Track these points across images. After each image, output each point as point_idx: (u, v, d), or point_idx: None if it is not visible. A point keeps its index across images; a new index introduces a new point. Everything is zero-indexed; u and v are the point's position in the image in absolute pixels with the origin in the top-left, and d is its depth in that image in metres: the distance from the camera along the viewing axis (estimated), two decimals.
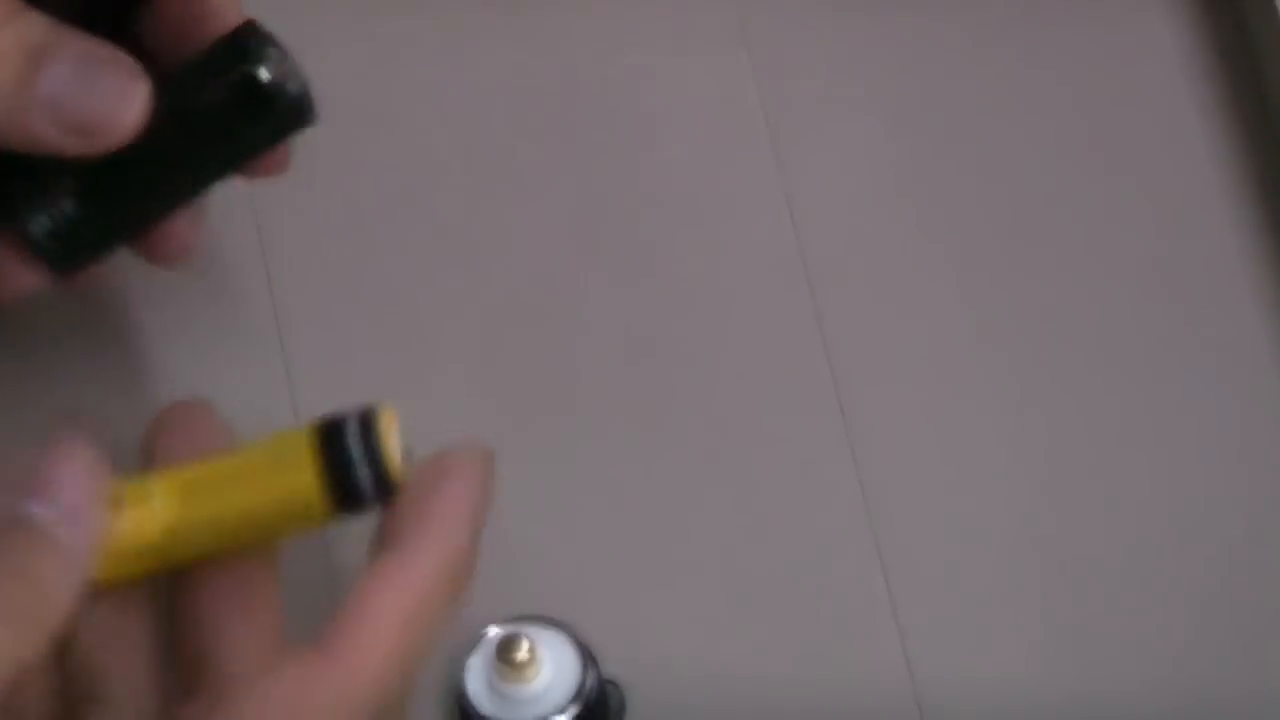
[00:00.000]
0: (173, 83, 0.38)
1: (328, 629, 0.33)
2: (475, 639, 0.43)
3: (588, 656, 0.42)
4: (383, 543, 0.35)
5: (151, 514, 0.35)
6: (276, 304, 0.48)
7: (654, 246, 0.50)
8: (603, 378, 0.48)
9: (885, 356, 0.49)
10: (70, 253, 0.38)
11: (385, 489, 0.35)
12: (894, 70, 0.52)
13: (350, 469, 0.35)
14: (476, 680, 0.42)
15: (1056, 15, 0.52)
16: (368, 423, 0.35)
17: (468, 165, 0.50)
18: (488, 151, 0.50)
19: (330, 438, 0.35)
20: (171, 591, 0.36)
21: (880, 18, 0.52)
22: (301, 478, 0.35)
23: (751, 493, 0.48)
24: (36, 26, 0.36)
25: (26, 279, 0.39)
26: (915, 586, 0.47)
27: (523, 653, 0.41)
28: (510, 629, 0.42)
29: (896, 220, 0.51)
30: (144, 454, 0.38)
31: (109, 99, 0.36)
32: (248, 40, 0.37)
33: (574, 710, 0.42)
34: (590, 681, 0.42)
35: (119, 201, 0.38)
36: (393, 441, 0.35)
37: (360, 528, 0.37)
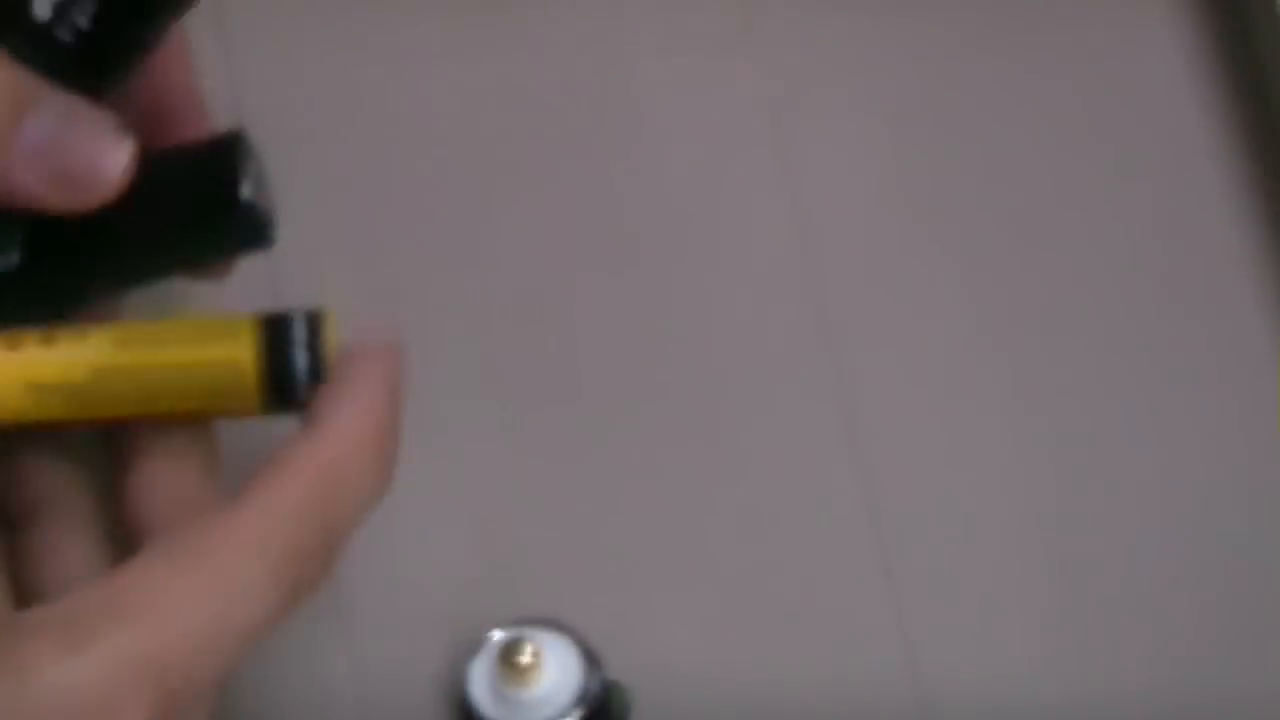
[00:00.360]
0: (151, 170, 0.37)
1: (241, 488, 0.33)
2: (478, 643, 0.42)
3: (591, 659, 0.42)
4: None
5: (83, 353, 0.35)
6: (276, 303, 0.48)
7: (657, 246, 0.50)
8: (605, 378, 0.48)
9: (888, 356, 0.49)
10: (10, 305, 0.37)
11: (316, 384, 0.35)
12: (897, 70, 0.52)
13: (290, 350, 0.35)
14: (480, 684, 0.42)
15: (1058, 15, 0.52)
16: (315, 320, 0.36)
17: (469, 166, 0.50)
18: (489, 152, 0.50)
19: (277, 322, 0.36)
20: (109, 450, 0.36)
21: (883, 18, 0.52)
22: (240, 350, 0.35)
23: (755, 494, 0.48)
24: (19, 78, 0.35)
25: None
26: (918, 587, 0.47)
27: (526, 656, 0.41)
28: (513, 632, 0.42)
29: (900, 220, 0.50)
30: None
31: (95, 152, 0.35)
32: (235, 151, 0.37)
33: (578, 714, 0.41)
34: (594, 684, 0.42)
35: (65, 271, 0.37)
36: (332, 343, 0.36)
37: None
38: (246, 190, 0.36)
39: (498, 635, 0.42)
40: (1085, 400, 0.49)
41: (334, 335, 0.36)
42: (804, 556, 0.47)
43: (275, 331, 0.36)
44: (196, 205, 0.37)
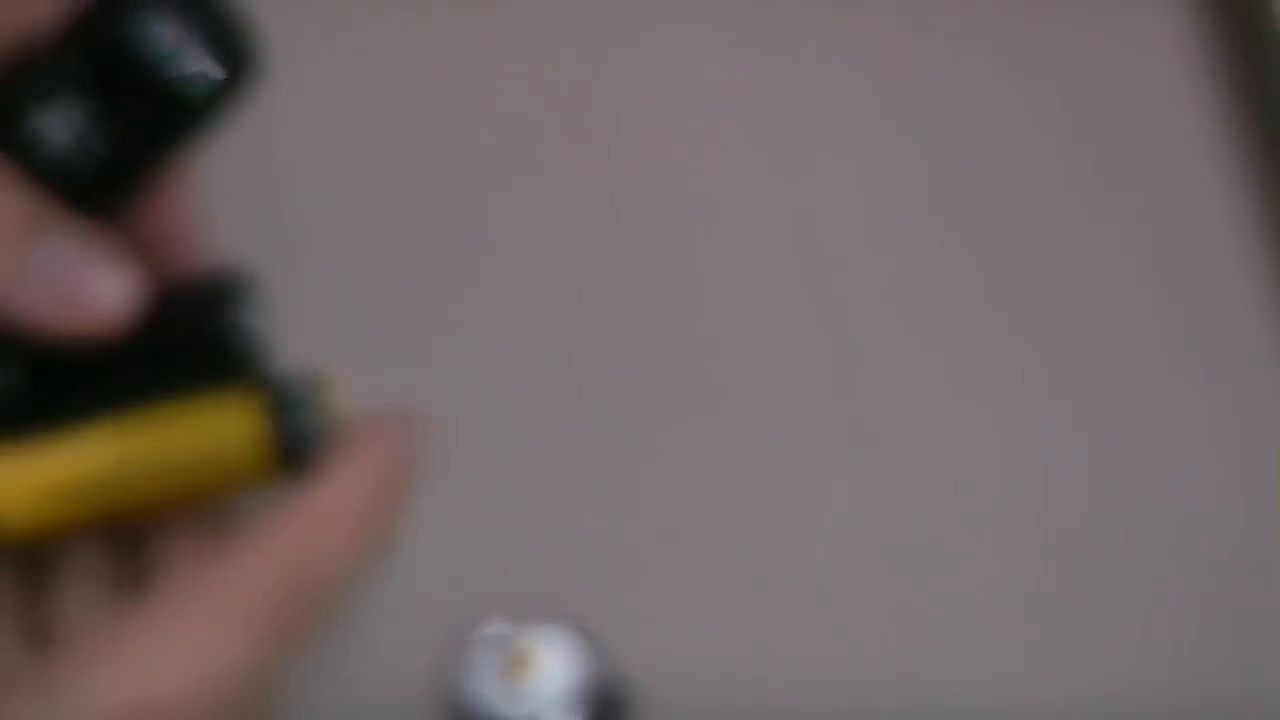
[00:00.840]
0: (155, 306, 0.37)
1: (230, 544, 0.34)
2: (479, 637, 0.42)
3: (593, 652, 0.42)
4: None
5: (91, 450, 0.36)
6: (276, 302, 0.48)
7: (657, 245, 0.50)
8: (608, 376, 0.48)
9: (887, 356, 0.49)
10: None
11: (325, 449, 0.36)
12: (896, 70, 0.52)
13: (297, 417, 0.36)
14: (481, 677, 0.42)
15: (1058, 15, 0.52)
16: (318, 384, 0.36)
17: (469, 166, 0.50)
18: (490, 152, 0.50)
19: (280, 389, 0.36)
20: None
21: (882, 18, 0.52)
22: (246, 419, 0.36)
23: (756, 490, 0.48)
24: (33, 203, 0.36)
25: None
26: (917, 588, 0.47)
27: (528, 649, 0.41)
28: (515, 625, 0.42)
29: (898, 219, 0.51)
30: None
31: (102, 285, 0.36)
32: (234, 290, 0.37)
33: (581, 705, 0.41)
34: (597, 677, 0.42)
35: (67, 398, 0.37)
36: (343, 406, 0.36)
37: None
38: (244, 335, 0.36)
39: (499, 628, 0.42)
40: (1085, 400, 0.49)
41: (343, 398, 0.37)
42: (806, 553, 0.47)
43: (280, 399, 0.36)
44: (195, 344, 0.37)
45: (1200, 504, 0.48)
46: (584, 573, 0.46)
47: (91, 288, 0.35)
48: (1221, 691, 0.46)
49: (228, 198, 0.44)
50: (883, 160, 0.51)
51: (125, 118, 0.36)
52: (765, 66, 0.52)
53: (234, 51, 0.36)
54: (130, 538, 0.37)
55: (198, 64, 0.35)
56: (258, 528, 0.35)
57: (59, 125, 0.36)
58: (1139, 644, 0.47)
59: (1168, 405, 0.49)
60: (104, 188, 0.37)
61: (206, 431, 0.36)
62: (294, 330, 0.48)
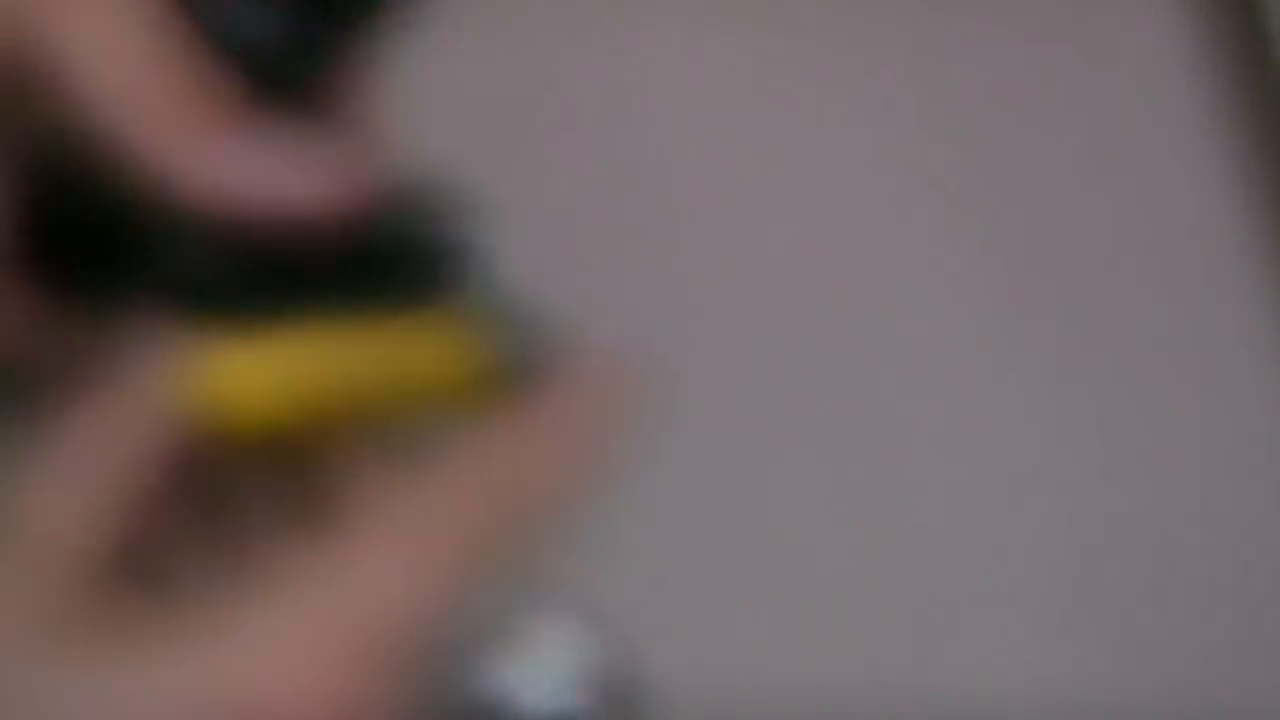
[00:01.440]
0: (364, 214, 0.36)
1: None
2: (492, 631, 0.42)
3: (605, 642, 0.42)
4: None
5: (311, 348, 0.35)
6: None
7: (660, 244, 0.50)
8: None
9: (891, 356, 0.49)
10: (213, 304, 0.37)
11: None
12: (900, 70, 0.52)
13: (514, 335, 0.36)
14: (492, 671, 0.41)
15: (1060, 16, 0.53)
16: (535, 310, 0.36)
17: (470, 167, 0.50)
18: (490, 153, 0.50)
19: (499, 309, 0.36)
20: None
21: (887, 18, 0.52)
22: (463, 336, 0.35)
23: (761, 489, 0.48)
24: (228, 83, 0.35)
25: None
26: (917, 588, 0.47)
27: (539, 642, 0.41)
28: (526, 620, 0.42)
29: (899, 219, 0.51)
30: None
31: (295, 181, 0.35)
32: (456, 203, 0.36)
33: (590, 700, 0.41)
34: (606, 671, 0.42)
35: (273, 295, 0.36)
36: (556, 335, 0.36)
37: None
38: (457, 232, 0.36)
39: (510, 623, 0.42)
40: (1089, 400, 0.49)
41: (558, 328, 0.36)
42: (811, 554, 0.47)
43: (499, 320, 0.36)
44: (412, 253, 0.36)
45: (1205, 505, 0.48)
46: (594, 570, 0.46)
47: (292, 173, 0.35)
48: (1223, 692, 0.47)
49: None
50: (889, 161, 0.51)
51: None
52: (766, 68, 0.52)
53: None
54: (304, 465, 0.36)
55: None
56: (462, 455, 0.34)
57: (250, 6, 0.35)
58: (1143, 644, 0.47)
59: (1169, 405, 0.49)
60: (295, 71, 0.36)
61: (427, 342, 0.35)
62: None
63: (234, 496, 0.37)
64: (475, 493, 0.33)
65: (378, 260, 0.36)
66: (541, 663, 0.41)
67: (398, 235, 0.36)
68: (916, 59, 0.52)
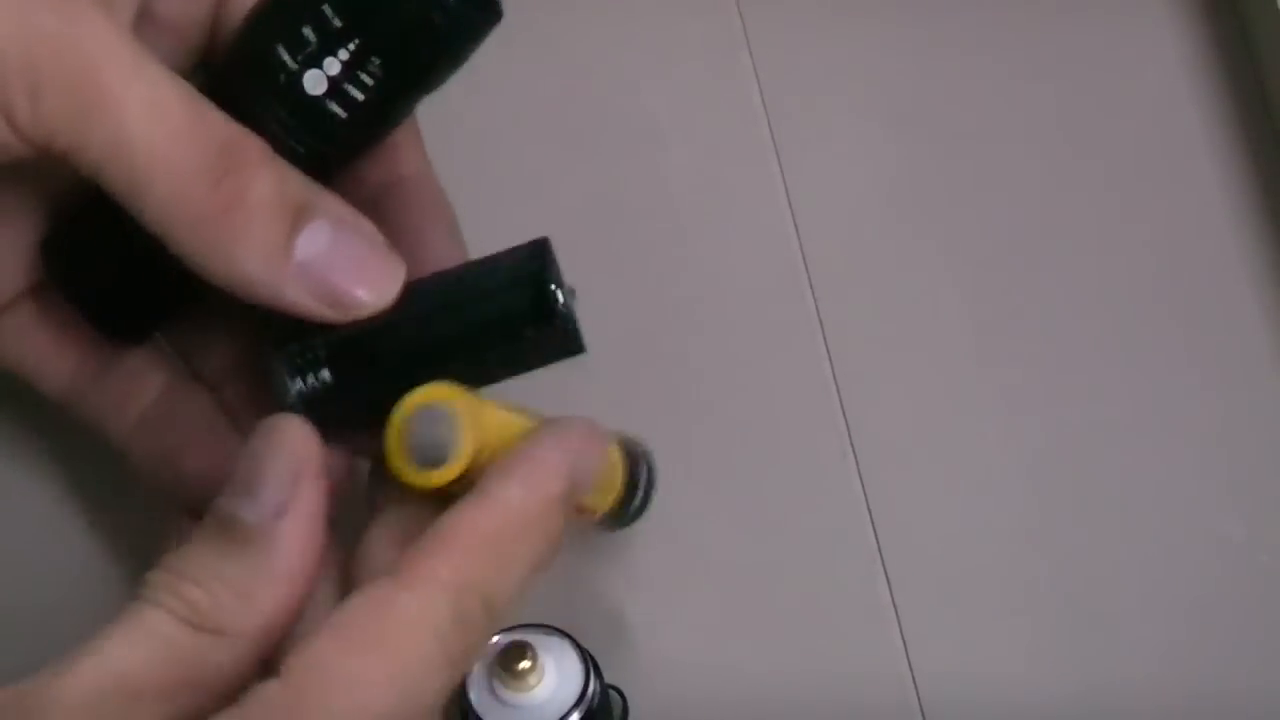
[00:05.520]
0: (452, 277, 0.37)
1: (404, 557, 0.33)
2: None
3: (590, 663, 0.42)
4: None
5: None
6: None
7: (655, 248, 0.50)
8: (603, 380, 0.48)
9: (886, 357, 0.49)
10: (320, 420, 0.36)
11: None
12: (894, 72, 0.52)
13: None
14: (478, 689, 0.42)
15: (1056, 17, 0.52)
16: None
17: (469, 167, 0.50)
18: (489, 154, 0.50)
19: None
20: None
21: (880, 19, 0.52)
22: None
23: (752, 495, 0.48)
24: (296, 181, 0.34)
25: None
26: (915, 588, 0.47)
27: (525, 661, 0.41)
28: (512, 637, 0.42)
29: (897, 221, 0.51)
30: None
31: (362, 274, 0.35)
32: (544, 256, 0.36)
33: (576, 718, 0.41)
34: (593, 689, 0.42)
35: (370, 382, 0.36)
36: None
37: None
38: (559, 292, 0.35)
39: (496, 639, 0.42)
40: (1082, 401, 0.49)
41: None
42: (802, 559, 0.47)
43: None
44: (507, 308, 0.36)
45: (1200, 504, 0.48)
46: (581, 584, 0.46)
47: (353, 280, 0.34)
48: (1222, 692, 0.46)
49: None
50: (881, 166, 0.51)
51: (380, 56, 0.35)
52: (765, 70, 0.52)
53: None
54: None
55: None
56: (438, 542, 0.33)
57: (314, 76, 0.35)
58: (1139, 645, 0.47)
59: (1164, 406, 0.49)
60: (353, 134, 0.36)
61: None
62: None
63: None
64: (456, 586, 0.33)
65: (474, 324, 0.36)
66: (529, 687, 0.41)
67: (492, 296, 0.36)
68: (915, 60, 0.52)
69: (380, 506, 0.36)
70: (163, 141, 0.32)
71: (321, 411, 0.36)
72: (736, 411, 0.48)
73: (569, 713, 0.41)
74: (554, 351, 0.37)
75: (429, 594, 0.32)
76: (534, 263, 0.36)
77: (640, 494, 0.40)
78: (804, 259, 0.50)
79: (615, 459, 0.40)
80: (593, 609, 0.44)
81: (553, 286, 0.36)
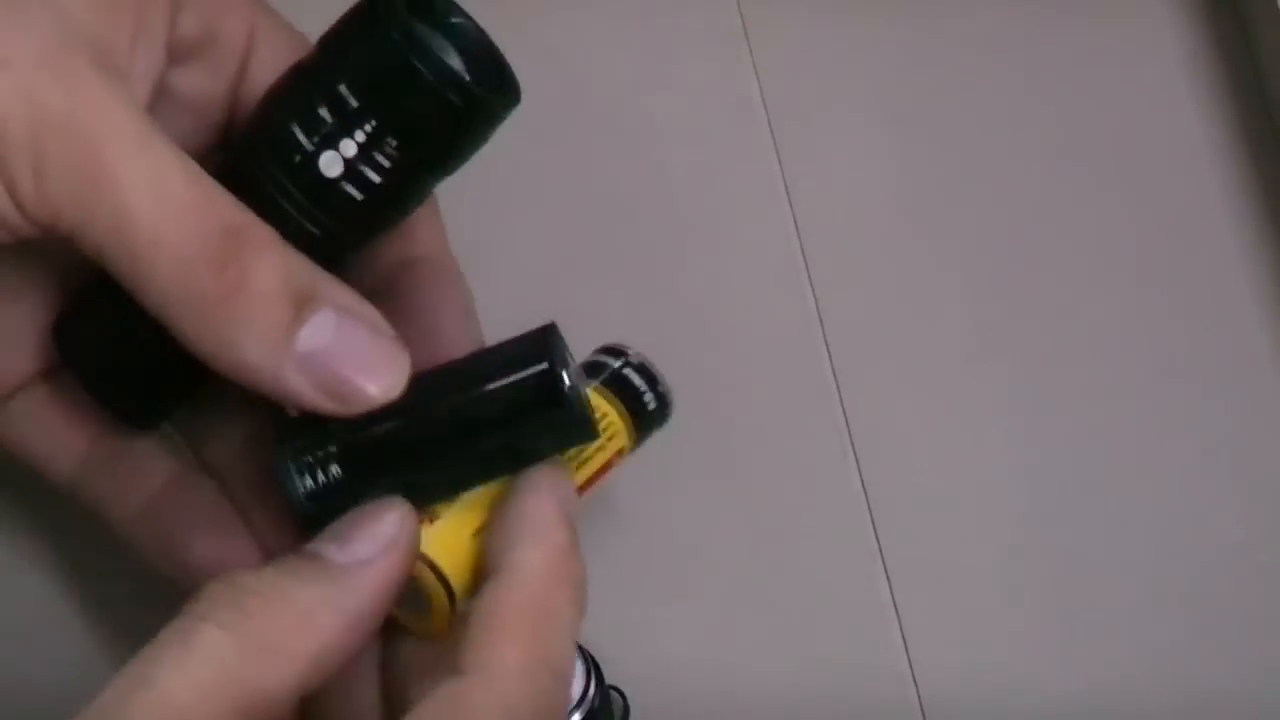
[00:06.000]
0: (460, 368, 0.36)
1: (457, 655, 0.33)
2: None
3: (590, 664, 0.42)
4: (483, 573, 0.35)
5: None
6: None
7: (655, 247, 0.50)
8: None
9: (887, 358, 0.49)
10: (331, 518, 0.36)
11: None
12: (895, 71, 0.52)
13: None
14: None
15: (1056, 17, 0.52)
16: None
17: (468, 167, 0.50)
18: (489, 154, 0.50)
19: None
20: None
21: (881, 18, 0.52)
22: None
23: (753, 496, 0.48)
24: (302, 267, 0.34)
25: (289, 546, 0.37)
26: (915, 588, 0.47)
27: None
28: None
29: (898, 221, 0.50)
30: None
31: (367, 366, 0.34)
32: (552, 342, 0.35)
33: (577, 718, 0.41)
34: (593, 689, 0.42)
35: (382, 478, 0.36)
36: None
37: None
38: (567, 378, 0.35)
39: None
40: (1083, 401, 0.49)
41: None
42: (803, 559, 0.47)
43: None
44: (516, 398, 0.35)
45: (1199, 505, 0.48)
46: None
47: (357, 373, 0.34)
48: (1222, 692, 0.47)
49: None
50: (882, 165, 0.51)
51: (397, 138, 0.34)
52: (765, 69, 0.52)
53: (493, 67, 0.35)
54: None
55: (468, 77, 0.34)
56: (484, 630, 0.33)
57: (330, 158, 0.34)
58: (1139, 644, 0.47)
59: (1166, 406, 0.49)
60: (368, 219, 0.36)
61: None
62: None
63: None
64: (520, 669, 0.33)
65: (484, 414, 0.35)
66: None
67: (500, 383, 0.35)
68: (915, 60, 0.52)
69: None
70: (165, 223, 0.32)
71: (331, 507, 0.36)
72: (736, 411, 0.48)
73: (570, 714, 0.41)
74: (566, 438, 0.36)
75: (501, 683, 0.32)
76: (542, 351, 0.35)
77: (650, 402, 0.39)
78: (804, 259, 0.50)
79: (600, 402, 0.39)
80: (592, 609, 0.44)
81: (563, 377, 0.35)
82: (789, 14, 0.52)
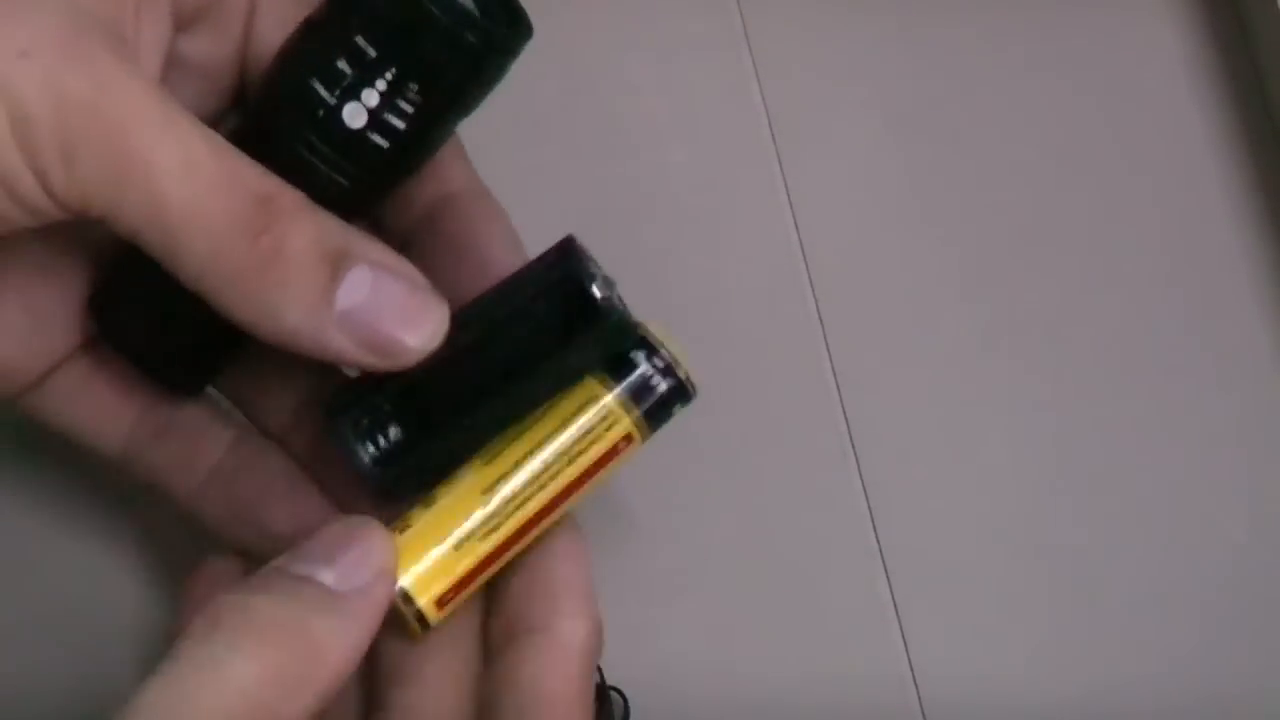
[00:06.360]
0: (492, 299, 0.36)
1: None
2: None
3: None
4: (517, 624, 0.36)
5: (468, 489, 0.36)
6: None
7: (655, 248, 0.50)
8: None
9: (887, 357, 0.49)
10: (400, 479, 0.36)
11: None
12: (895, 70, 0.52)
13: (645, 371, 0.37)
14: None
15: (1057, 16, 0.52)
16: (649, 342, 0.37)
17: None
18: (488, 155, 0.50)
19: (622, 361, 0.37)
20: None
21: (881, 18, 0.52)
22: (598, 387, 0.37)
23: (753, 495, 0.48)
24: (334, 228, 0.34)
25: (361, 506, 0.37)
26: (917, 588, 0.47)
27: None
28: None
29: (898, 220, 0.50)
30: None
31: (409, 317, 0.34)
32: (575, 255, 0.36)
33: None
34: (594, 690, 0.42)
35: (440, 428, 0.36)
36: (674, 349, 0.38)
37: None
38: (596, 289, 0.35)
39: None
40: (1084, 400, 0.49)
41: (670, 340, 0.37)
42: (803, 559, 0.47)
43: (623, 366, 0.37)
44: (551, 316, 0.36)
45: (1202, 504, 0.48)
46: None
47: (398, 326, 0.34)
48: (1222, 692, 0.47)
49: None
50: (882, 164, 0.51)
51: (417, 82, 0.35)
52: (765, 68, 0.52)
53: (501, 3, 0.36)
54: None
55: (481, 17, 0.35)
56: (531, 705, 0.34)
57: (353, 109, 0.35)
58: (1139, 645, 0.47)
59: (1168, 405, 0.49)
60: (395, 164, 0.36)
61: (567, 407, 0.36)
62: None
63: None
64: None
65: (523, 337, 0.36)
66: None
67: (541, 306, 0.36)
68: (915, 60, 0.52)
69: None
70: (196, 200, 0.32)
71: (400, 468, 0.36)
72: (737, 411, 0.48)
73: None
74: (612, 343, 0.37)
75: None
76: (565, 265, 0.36)
77: (659, 385, 0.38)
78: (804, 259, 0.50)
79: (595, 386, 0.39)
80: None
81: (591, 285, 0.35)
82: (789, 14, 0.52)
